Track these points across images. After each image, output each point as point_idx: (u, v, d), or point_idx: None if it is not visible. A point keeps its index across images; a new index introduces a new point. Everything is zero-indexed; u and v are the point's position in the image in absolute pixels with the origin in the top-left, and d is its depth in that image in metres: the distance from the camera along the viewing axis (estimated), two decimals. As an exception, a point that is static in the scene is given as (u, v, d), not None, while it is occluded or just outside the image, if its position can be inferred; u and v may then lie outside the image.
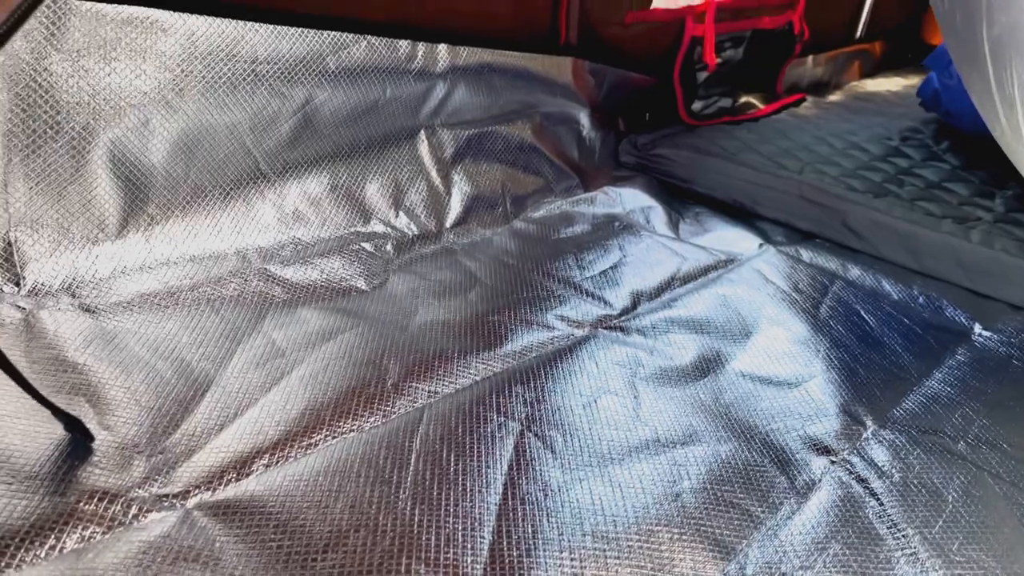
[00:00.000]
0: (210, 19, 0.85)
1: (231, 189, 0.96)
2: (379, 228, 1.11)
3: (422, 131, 1.19)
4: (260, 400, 0.75)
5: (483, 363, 0.87)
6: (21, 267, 0.78)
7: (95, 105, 0.80)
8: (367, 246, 1.08)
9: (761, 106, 1.94)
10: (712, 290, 1.11)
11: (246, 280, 0.94)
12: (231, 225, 0.96)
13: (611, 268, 1.16)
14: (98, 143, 0.82)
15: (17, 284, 0.78)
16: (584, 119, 1.52)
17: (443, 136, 1.22)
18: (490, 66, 1.23)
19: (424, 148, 1.19)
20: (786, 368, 0.93)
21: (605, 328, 0.98)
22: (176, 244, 0.91)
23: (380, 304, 0.98)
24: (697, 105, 1.82)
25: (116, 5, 0.78)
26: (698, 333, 0.99)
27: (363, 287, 1.01)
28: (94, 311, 0.81)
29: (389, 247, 1.10)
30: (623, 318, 1.02)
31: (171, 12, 0.82)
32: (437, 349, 0.88)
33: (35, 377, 0.69)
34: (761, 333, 1.00)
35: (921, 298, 1.15)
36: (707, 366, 0.93)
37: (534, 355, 0.91)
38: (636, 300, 1.07)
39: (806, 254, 1.27)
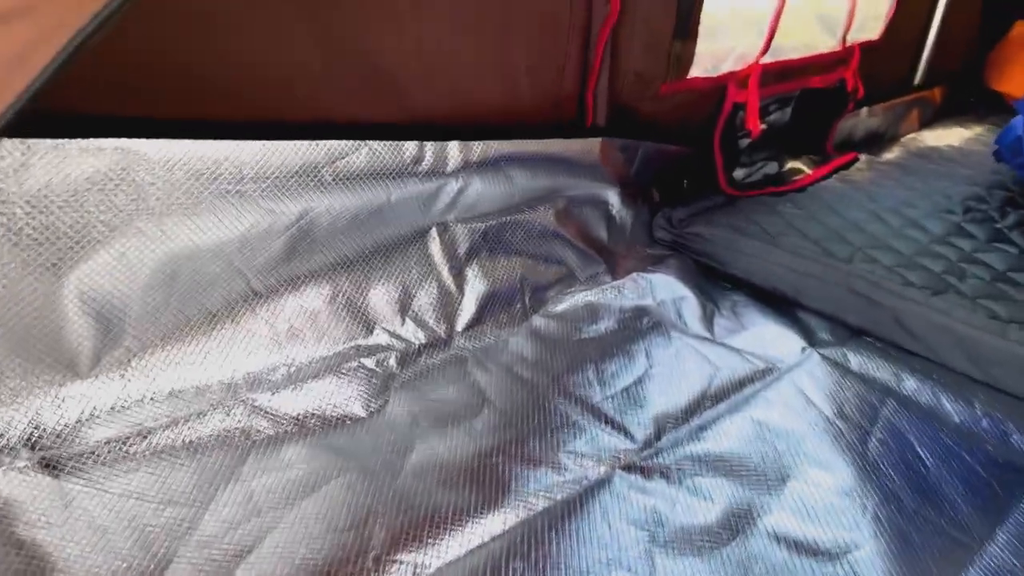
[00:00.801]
0: (190, 143, 0.78)
1: (218, 312, 0.89)
2: (383, 339, 1.03)
3: (433, 228, 1.11)
4: (223, 583, 0.67)
5: (480, 524, 0.77)
6: (-26, 420, 0.72)
7: (61, 243, 0.73)
8: (368, 362, 0.99)
9: (809, 171, 1.81)
10: (747, 414, 1.00)
11: (229, 413, 0.86)
12: (218, 351, 0.89)
13: (635, 383, 1.05)
14: (66, 280, 0.75)
15: (-33, 442, 0.71)
16: (613, 198, 1.42)
17: (456, 232, 1.13)
18: (507, 157, 1.14)
19: (435, 246, 1.11)
20: (828, 531, 0.81)
21: (624, 469, 0.88)
22: (155, 377, 0.84)
23: (375, 436, 0.90)
24: (739, 173, 1.71)
25: (84, 140, 0.71)
26: (728, 477, 0.88)
27: (360, 412, 0.93)
28: (55, 466, 0.74)
29: (392, 361, 1.02)
30: (645, 454, 0.91)
31: (146, 140, 0.75)
32: (429, 506, 0.79)
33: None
34: (800, 478, 0.89)
35: (984, 420, 1.02)
36: (737, 523, 0.82)
37: (540, 509, 0.81)
38: (661, 428, 0.96)
39: (855, 359, 1.15)
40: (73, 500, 0.72)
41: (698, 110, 1.55)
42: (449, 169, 1.06)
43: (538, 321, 1.20)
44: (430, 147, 1.02)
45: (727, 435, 0.96)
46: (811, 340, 1.19)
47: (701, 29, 1.46)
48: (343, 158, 0.92)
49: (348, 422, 0.91)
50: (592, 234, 1.39)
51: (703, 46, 1.48)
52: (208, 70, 0.80)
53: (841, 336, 1.22)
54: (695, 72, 1.49)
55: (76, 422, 0.78)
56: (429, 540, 0.75)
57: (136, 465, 0.77)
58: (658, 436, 0.95)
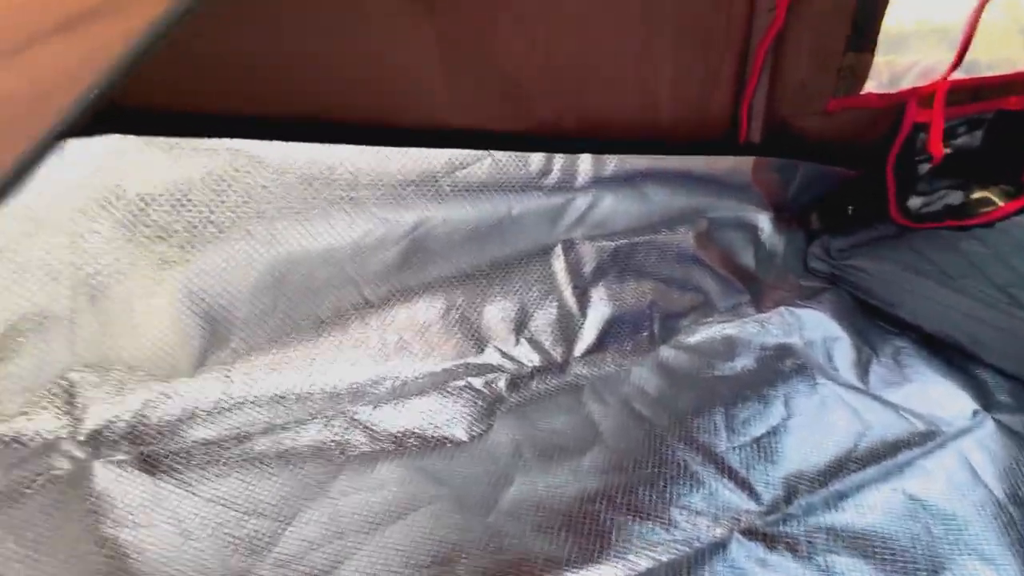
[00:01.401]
0: (305, 146, 0.76)
1: (327, 319, 0.87)
2: (494, 359, 0.98)
3: (558, 246, 1.04)
4: (293, 611, 0.64)
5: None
6: (82, 410, 0.73)
7: (173, 241, 0.73)
8: (476, 382, 0.94)
9: (1001, 203, 1.58)
10: (899, 486, 0.86)
11: (328, 424, 0.84)
12: (324, 358, 0.87)
13: (769, 433, 0.94)
14: (176, 278, 0.75)
15: (74, 430, 0.72)
16: (764, 222, 1.30)
17: (583, 250, 1.06)
18: (644, 172, 1.05)
19: (559, 264, 1.04)
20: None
21: (744, 533, 0.78)
22: (258, 381, 0.83)
23: (473, 463, 0.84)
24: (915, 202, 1.52)
25: (198, 139, 0.71)
26: (868, 559, 0.76)
27: (461, 436, 0.88)
28: (152, 463, 0.74)
29: (502, 383, 0.96)
30: (771, 519, 0.80)
31: (260, 142, 0.74)
32: (520, 551, 0.72)
33: (48, 559, 0.62)
34: (957, 571, 0.74)
35: None
36: (873, 618, 0.70)
37: (642, 569, 0.72)
38: (793, 490, 0.84)
39: (1040, 432, 0.97)
40: (163, 501, 0.71)
41: (871, 129, 1.39)
42: (578, 184, 0.99)
43: (666, 352, 1.11)
44: (559, 159, 0.96)
45: (872, 508, 0.83)
46: (986, 403, 1.02)
47: (881, 40, 1.30)
48: (463, 168, 0.88)
49: (448, 445, 0.87)
50: (737, 261, 1.27)
51: (881, 59, 1.32)
52: (322, 70, 0.77)
53: (1025, 400, 1.04)
54: (870, 87, 1.33)
55: (177, 420, 0.78)
56: (514, 593, 0.68)
57: (228, 470, 0.76)
58: (788, 500, 0.83)
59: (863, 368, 1.11)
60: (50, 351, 0.71)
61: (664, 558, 0.74)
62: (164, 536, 0.68)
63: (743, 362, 1.10)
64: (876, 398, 1.03)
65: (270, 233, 0.78)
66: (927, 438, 0.94)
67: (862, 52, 1.29)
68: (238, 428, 0.80)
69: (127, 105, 0.67)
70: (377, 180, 0.82)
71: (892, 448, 0.92)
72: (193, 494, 0.73)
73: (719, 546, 0.76)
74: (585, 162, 0.98)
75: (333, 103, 0.79)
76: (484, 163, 0.89)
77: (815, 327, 1.19)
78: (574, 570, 0.71)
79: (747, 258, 1.29)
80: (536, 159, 0.93)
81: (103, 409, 0.74)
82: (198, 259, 0.75)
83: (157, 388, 0.77)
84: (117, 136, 0.67)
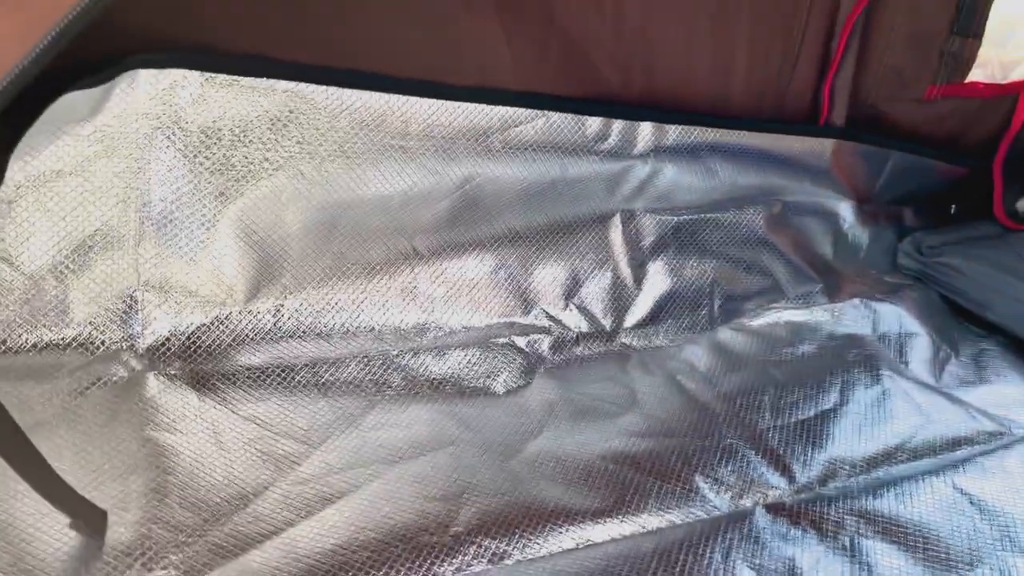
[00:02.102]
0: (357, 92, 0.80)
1: (377, 265, 0.90)
2: (540, 321, 0.99)
3: (617, 215, 1.03)
4: (302, 522, 0.67)
5: (579, 529, 0.70)
6: (142, 327, 0.79)
7: (229, 175, 0.78)
8: (519, 341, 0.96)
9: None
10: (950, 479, 0.81)
11: (368, 364, 0.87)
12: (371, 302, 0.90)
13: (817, 418, 0.90)
14: (232, 211, 0.80)
15: (134, 344, 0.79)
16: (846, 211, 1.24)
17: (644, 222, 1.05)
18: (711, 146, 1.03)
19: (617, 234, 1.04)
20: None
21: (769, 508, 0.75)
22: (306, 317, 0.87)
23: (504, 416, 0.85)
24: (1024, 203, 1.41)
25: (256, 79, 0.75)
26: (900, 545, 0.72)
27: (498, 389, 0.90)
28: (200, 380, 0.79)
29: (545, 345, 0.97)
30: (800, 497, 0.77)
31: (315, 86, 0.78)
32: (530, 497, 0.73)
33: (95, 450, 0.68)
34: (995, 565, 0.69)
35: None
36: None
37: (651, 528, 0.71)
38: (831, 473, 0.81)
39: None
40: (204, 413, 0.77)
41: (975, 122, 1.30)
42: (637, 151, 0.99)
43: (725, 333, 1.08)
44: (617, 125, 0.95)
45: (916, 498, 0.78)
46: (1071, 412, 0.94)
47: (990, 26, 1.22)
48: (516, 127, 0.89)
49: (482, 396, 0.88)
50: (813, 248, 1.22)
51: (990, 48, 1.23)
52: (384, 25, 0.80)
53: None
54: (976, 76, 1.25)
55: (227, 345, 0.83)
56: (518, 531, 0.69)
57: (268, 394, 0.81)
58: (824, 481, 0.80)
59: (939, 366, 1.05)
60: (117, 269, 0.77)
61: (678, 520, 0.73)
62: (200, 444, 0.73)
63: (805, 348, 1.06)
64: (946, 395, 0.97)
65: (321, 175, 0.82)
66: (993, 437, 0.88)
67: (967, 37, 1.22)
68: (282, 358, 0.84)
69: (189, 41, 0.73)
70: (427, 131, 0.85)
71: (951, 443, 0.87)
72: (233, 411, 0.78)
73: (739, 516, 0.74)
74: (645, 130, 0.97)
75: (389, 57, 0.82)
76: (537, 123, 0.90)
77: (891, 321, 1.13)
78: (582, 521, 0.71)
79: (824, 247, 1.23)
80: (593, 123, 0.94)
81: (161, 327, 0.80)
82: (253, 194, 0.80)
83: (212, 313, 0.83)
84: (182, 71, 0.72)
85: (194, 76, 0.73)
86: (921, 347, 1.08)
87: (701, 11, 0.99)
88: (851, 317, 1.14)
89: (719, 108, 1.05)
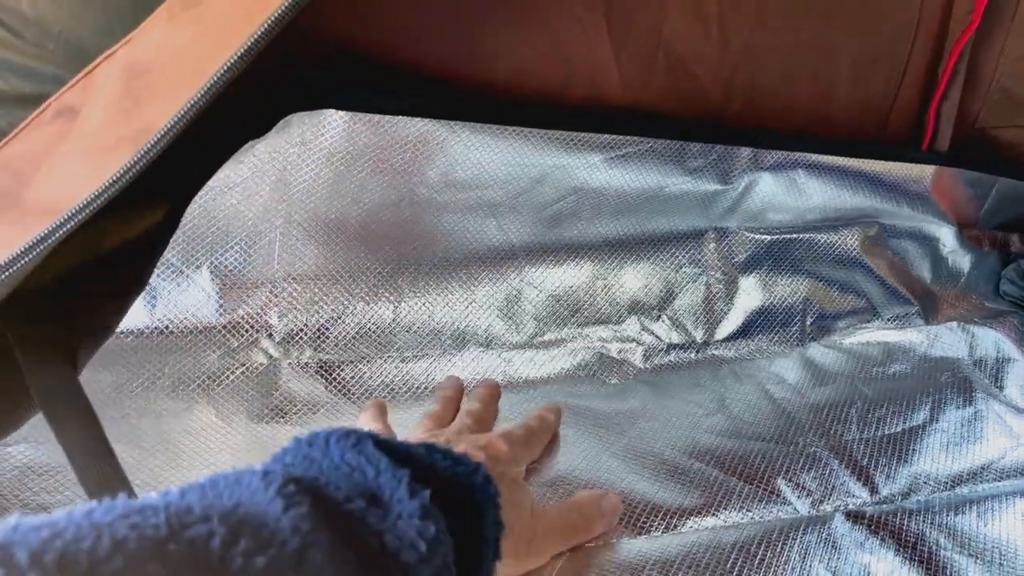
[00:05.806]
0: (493, 131, 0.88)
1: (485, 269, 0.98)
2: (632, 330, 1.04)
3: (710, 231, 1.08)
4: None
5: (663, 525, 0.75)
6: (280, 317, 0.90)
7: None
8: (611, 348, 1.02)
9: None
10: (1040, 500, 0.82)
11: (473, 361, 0.95)
12: (479, 305, 0.98)
13: (904, 433, 0.92)
14: (355, 215, 0.89)
15: (271, 334, 0.89)
16: (947, 236, 1.24)
17: (736, 240, 1.09)
18: (806, 166, 1.07)
19: (710, 249, 1.08)
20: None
21: (849, 516, 0.78)
22: (420, 314, 0.96)
23: (596, 417, 0.91)
24: None
25: (395, 115, 0.84)
26: (979, 561, 0.73)
27: (590, 394, 0.96)
28: (326, 370, 0.89)
29: (638, 353, 1.02)
30: (883, 508, 0.80)
31: (451, 122, 0.86)
32: (621, 492, 0.78)
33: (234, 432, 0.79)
34: (1081, 591, 0.71)
35: None
36: (968, 618, 0.68)
37: (730, 523, 0.76)
38: (914, 486, 0.83)
39: None
40: (326, 402, 0.86)
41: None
42: (735, 172, 1.03)
43: (816, 350, 1.11)
44: (718, 148, 1.00)
45: (999, 518, 0.79)
46: None
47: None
48: (618, 147, 0.95)
49: (574, 399, 0.94)
50: (910, 272, 1.23)
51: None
52: (500, 41, 0.87)
53: None
54: (1093, 100, 1.23)
55: (351, 337, 0.93)
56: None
57: (381, 385, 0.90)
58: (907, 495, 0.82)
59: (1037, 394, 1.05)
60: (263, 262, 0.88)
61: (757, 517, 0.77)
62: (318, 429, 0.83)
63: (897, 368, 1.08)
64: (1041, 420, 0.97)
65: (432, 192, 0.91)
66: (1088, 465, 0.88)
67: (1086, 62, 1.20)
68: (400, 351, 0.93)
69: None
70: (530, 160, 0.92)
71: (1042, 468, 0.87)
72: (349, 399, 0.87)
73: (818, 521, 0.77)
74: (744, 152, 1.02)
75: (513, 76, 0.89)
76: (642, 145, 0.96)
77: (989, 346, 1.13)
78: (668, 515, 0.75)
79: (922, 270, 1.24)
80: (691, 148, 0.99)
81: (298, 317, 0.90)
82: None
83: (339, 307, 0.92)
84: (330, 111, 0.82)
85: (341, 115, 0.82)
86: (1018, 373, 1.08)
87: (805, 27, 1.01)
88: (947, 340, 1.15)
89: (820, 127, 1.08)
